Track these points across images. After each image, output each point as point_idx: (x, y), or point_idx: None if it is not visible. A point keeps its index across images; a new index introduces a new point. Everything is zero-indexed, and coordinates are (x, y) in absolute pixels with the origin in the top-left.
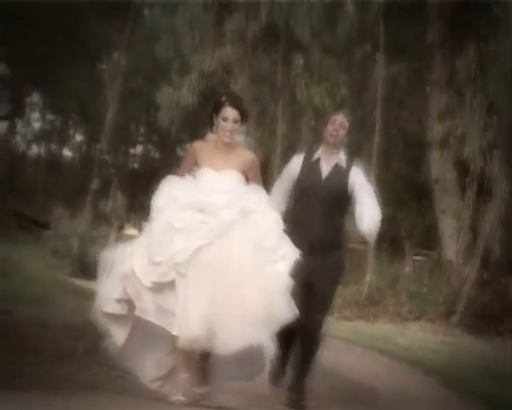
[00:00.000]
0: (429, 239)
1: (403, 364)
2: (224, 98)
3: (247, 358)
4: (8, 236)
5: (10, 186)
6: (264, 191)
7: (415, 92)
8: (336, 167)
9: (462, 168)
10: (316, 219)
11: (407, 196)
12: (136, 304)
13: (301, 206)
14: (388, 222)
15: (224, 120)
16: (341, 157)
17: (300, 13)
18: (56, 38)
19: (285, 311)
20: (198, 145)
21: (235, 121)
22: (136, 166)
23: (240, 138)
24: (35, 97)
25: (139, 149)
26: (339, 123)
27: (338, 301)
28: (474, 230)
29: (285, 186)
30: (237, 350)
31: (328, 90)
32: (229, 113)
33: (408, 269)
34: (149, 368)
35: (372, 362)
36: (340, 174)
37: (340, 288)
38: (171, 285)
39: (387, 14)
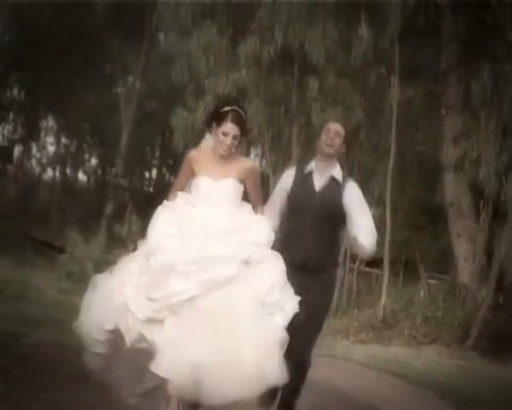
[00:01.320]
0: (444, 262)
1: (418, 387)
2: (226, 109)
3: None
4: (23, 260)
5: (25, 210)
6: (268, 221)
7: (429, 115)
8: (331, 181)
9: (477, 191)
10: (308, 235)
11: (422, 220)
12: (127, 337)
13: (294, 221)
14: (403, 245)
15: (224, 134)
16: (337, 170)
17: (315, 36)
18: (71, 63)
19: (276, 372)
20: (194, 154)
21: (234, 138)
22: (151, 189)
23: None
24: (50, 121)
25: (154, 172)
26: (334, 131)
27: (353, 324)
28: (490, 253)
29: (278, 202)
30: (224, 403)
31: (342, 113)
32: (230, 128)
33: (423, 292)
34: (130, 382)
35: (387, 386)
36: (335, 188)
37: (355, 312)
38: (158, 322)
39: (402, 37)
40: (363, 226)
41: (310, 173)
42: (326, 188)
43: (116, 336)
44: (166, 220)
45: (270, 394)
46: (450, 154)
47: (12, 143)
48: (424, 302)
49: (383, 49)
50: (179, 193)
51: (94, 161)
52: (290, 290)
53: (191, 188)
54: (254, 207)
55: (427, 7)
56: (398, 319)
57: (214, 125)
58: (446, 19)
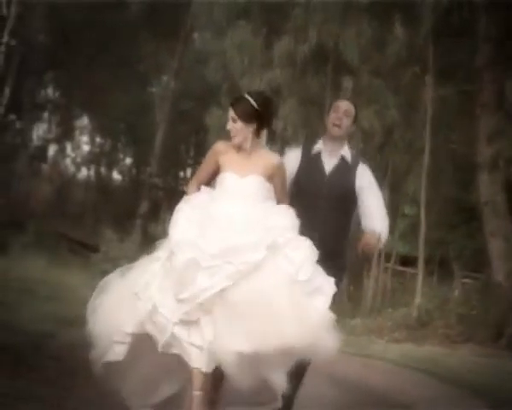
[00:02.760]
0: (478, 261)
1: (451, 386)
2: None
3: (264, 385)
4: (58, 259)
5: (60, 210)
6: (291, 210)
7: (464, 114)
8: (341, 162)
9: None
10: (317, 221)
11: (456, 219)
12: (158, 341)
13: (301, 206)
14: (437, 244)
15: (229, 119)
16: (346, 150)
17: (349, 35)
18: (106, 62)
19: (329, 344)
20: (221, 147)
21: (233, 120)
22: (185, 189)
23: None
24: (84, 120)
25: (188, 171)
26: (343, 110)
27: (388, 324)
28: None
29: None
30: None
31: (377, 112)
32: (230, 112)
33: (457, 291)
34: (142, 392)
35: (420, 384)
36: (346, 170)
37: (389, 311)
38: (196, 322)
39: (436, 36)
40: (374, 211)
41: (318, 154)
42: (336, 169)
43: (135, 340)
44: (187, 217)
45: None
46: (484, 153)
47: (47, 142)
48: (458, 301)
49: (417, 49)
50: (202, 188)
51: (128, 161)
52: (322, 271)
53: (216, 183)
54: (279, 204)
55: (461, 6)
56: (433, 317)
57: None
58: (481, 18)
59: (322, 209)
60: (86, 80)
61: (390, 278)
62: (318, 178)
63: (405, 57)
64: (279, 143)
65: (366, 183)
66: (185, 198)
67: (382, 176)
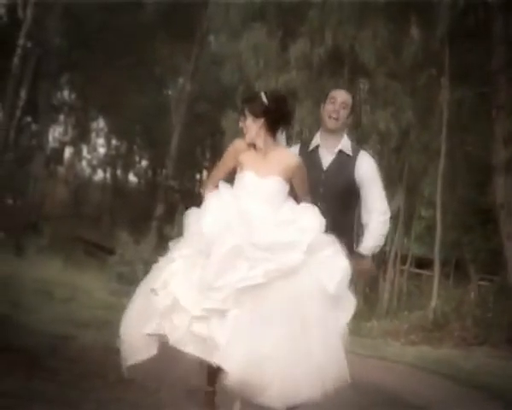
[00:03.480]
0: (494, 264)
1: (467, 388)
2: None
3: None
4: (74, 261)
5: (76, 212)
6: (316, 209)
7: (480, 116)
8: (340, 155)
9: None
10: None
11: (472, 221)
12: (171, 337)
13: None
14: (453, 247)
15: None
16: (344, 142)
17: (365, 38)
18: (122, 64)
19: (343, 371)
20: (241, 144)
21: (244, 117)
22: (201, 190)
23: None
24: (100, 123)
25: (204, 174)
26: (340, 102)
27: (404, 326)
28: None
29: None
30: (290, 405)
31: (393, 114)
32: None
33: (473, 294)
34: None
35: (436, 387)
36: (345, 163)
37: (405, 313)
38: (220, 314)
39: (452, 38)
40: (371, 225)
41: (315, 150)
42: (334, 164)
43: (158, 341)
44: (215, 211)
45: None
46: (500, 155)
47: (63, 144)
48: (474, 304)
49: (433, 51)
50: (221, 184)
51: (144, 163)
52: (349, 287)
53: (235, 181)
54: (301, 201)
55: (477, 8)
56: (449, 320)
57: None
58: (496, 20)
59: (321, 206)
60: (102, 82)
61: (406, 280)
62: (315, 174)
63: (421, 59)
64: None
65: (366, 175)
66: (208, 194)
67: (398, 178)
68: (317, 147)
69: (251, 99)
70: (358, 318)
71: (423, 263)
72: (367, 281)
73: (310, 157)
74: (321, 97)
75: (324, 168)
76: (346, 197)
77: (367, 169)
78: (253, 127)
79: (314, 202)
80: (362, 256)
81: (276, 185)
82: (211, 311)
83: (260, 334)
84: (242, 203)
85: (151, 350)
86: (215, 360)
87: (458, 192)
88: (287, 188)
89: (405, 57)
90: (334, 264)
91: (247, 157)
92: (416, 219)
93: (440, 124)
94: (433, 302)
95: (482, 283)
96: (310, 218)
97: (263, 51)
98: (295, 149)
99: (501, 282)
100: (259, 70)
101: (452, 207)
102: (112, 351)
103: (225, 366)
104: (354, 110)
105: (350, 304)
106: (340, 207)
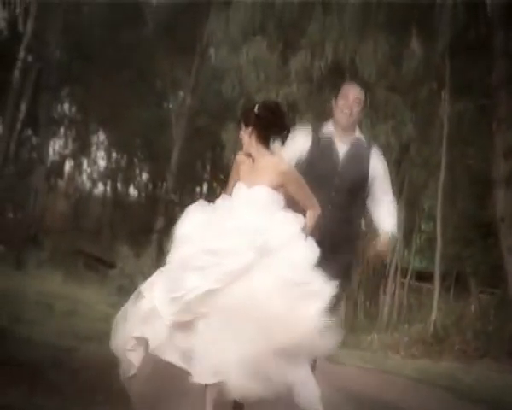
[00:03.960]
0: (495, 277)
1: (468, 402)
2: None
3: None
4: (75, 275)
5: (76, 225)
6: (297, 217)
7: (480, 130)
8: (355, 146)
9: None
10: (328, 211)
11: (472, 234)
12: (152, 343)
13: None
14: (454, 260)
15: None
16: (358, 135)
17: (366, 51)
18: (122, 78)
19: (322, 346)
20: (241, 157)
21: (240, 129)
22: None
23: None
24: (101, 136)
25: (205, 187)
26: (353, 97)
27: (404, 339)
28: None
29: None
30: (273, 395)
31: (393, 127)
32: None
33: (473, 307)
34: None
35: (437, 400)
36: (361, 155)
37: (405, 326)
38: (191, 325)
39: (453, 52)
40: (385, 208)
41: (330, 138)
42: (351, 154)
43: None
44: (194, 217)
45: None
46: (501, 168)
47: (63, 157)
48: (475, 317)
49: (434, 64)
50: (222, 195)
51: (145, 176)
52: (322, 275)
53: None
54: (305, 210)
55: (478, 22)
56: (449, 333)
57: None
58: (497, 34)
59: (332, 198)
60: (103, 96)
61: (406, 293)
62: (330, 165)
63: (422, 73)
64: None
65: (380, 172)
66: (198, 203)
67: (399, 191)
68: (331, 136)
69: (245, 109)
70: (359, 331)
71: (423, 276)
72: (378, 263)
73: (324, 147)
74: (321, 110)
75: (341, 158)
76: (358, 189)
77: (379, 166)
78: (245, 136)
79: (325, 200)
80: (382, 236)
81: (262, 194)
82: (175, 322)
83: (222, 341)
84: (223, 212)
85: (140, 354)
86: (194, 376)
87: (459, 205)
88: (278, 197)
89: (406, 71)
90: (291, 253)
91: (244, 168)
92: (416, 233)
93: (441, 137)
94: (434, 315)
95: (482, 296)
96: (279, 222)
97: (263, 65)
98: (306, 134)
99: (501, 295)
100: (260, 83)
101: (453, 221)
102: (113, 364)
103: (205, 380)
104: (363, 108)
105: (326, 290)
106: (351, 198)
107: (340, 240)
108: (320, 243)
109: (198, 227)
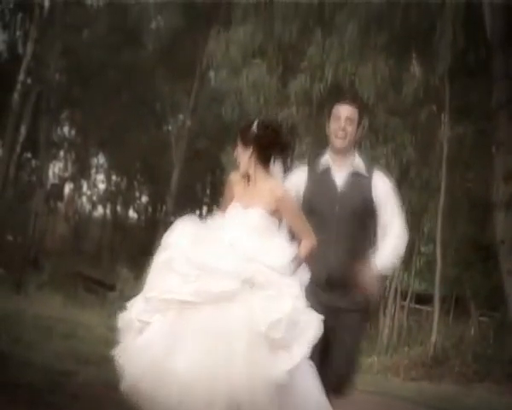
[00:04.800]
0: (495, 300)
1: None
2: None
3: None
4: (74, 297)
5: (76, 248)
6: (289, 246)
7: (480, 153)
8: (354, 175)
9: None
10: (333, 245)
11: (472, 257)
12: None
13: (313, 229)
14: (454, 282)
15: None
16: (357, 161)
17: (365, 74)
18: (122, 101)
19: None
20: (235, 177)
21: (237, 146)
22: None
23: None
24: (100, 159)
25: (205, 210)
26: (345, 117)
27: (404, 361)
28: None
29: None
30: None
31: (393, 150)
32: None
33: (473, 330)
34: None
35: None
36: (360, 183)
37: (405, 349)
38: (147, 325)
39: (453, 75)
40: (386, 242)
41: (327, 169)
42: (349, 184)
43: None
44: (180, 230)
45: None
46: (500, 191)
47: (63, 180)
48: (475, 339)
49: (434, 87)
50: (217, 213)
51: (144, 199)
52: (302, 326)
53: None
54: (300, 241)
55: (478, 45)
56: (449, 356)
57: None
58: (497, 57)
59: (336, 230)
60: (102, 119)
61: (406, 315)
62: (329, 195)
63: (422, 96)
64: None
65: (382, 195)
66: (190, 217)
67: None
68: (328, 166)
69: (243, 128)
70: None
71: (423, 299)
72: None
73: (321, 179)
74: (321, 133)
75: (339, 189)
76: (364, 216)
77: (383, 189)
78: (243, 156)
79: (326, 229)
80: (371, 270)
81: (257, 217)
82: (142, 322)
83: (173, 351)
84: (215, 230)
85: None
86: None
87: (458, 228)
88: (273, 222)
89: (406, 93)
90: (275, 304)
91: (238, 188)
92: (416, 255)
93: (440, 160)
94: (434, 338)
95: (482, 319)
96: (270, 253)
97: (263, 87)
98: (302, 171)
99: (501, 318)
100: (260, 106)
101: (452, 244)
102: (113, 387)
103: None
104: (362, 123)
105: (298, 351)
106: (357, 227)
107: (351, 276)
108: (328, 280)
109: (186, 237)
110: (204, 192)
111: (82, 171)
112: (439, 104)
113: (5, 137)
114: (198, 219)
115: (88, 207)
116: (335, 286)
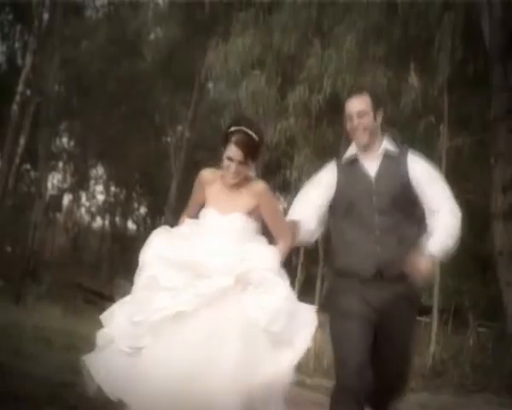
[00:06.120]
0: (493, 311)
1: None
2: (231, 130)
3: None
4: (73, 308)
5: (75, 259)
6: (275, 250)
7: (479, 164)
8: (385, 160)
9: None
10: (377, 235)
11: (471, 268)
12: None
13: (352, 223)
14: (452, 293)
15: (229, 159)
16: (386, 144)
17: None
18: (121, 112)
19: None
20: (207, 175)
21: (240, 163)
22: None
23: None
24: (99, 170)
25: None
26: (356, 113)
27: None
28: None
29: (318, 202)
30: None
31: None
32: (233, 153)
33: (472, 341)
34: None
35: None
36: (395, 168)
37: None
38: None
39: (451, 86)
40: (435, 226)
41: (355, 160)
42: (383, 168)
43: None
44: (158, 242)
45: None
46: (499, 202)
47: (62, 191)
48: (473, 350)
49: (432, 98)
50: (187, 220)
51: (143, 210)
52: (300, 320)
53: (199, 216)
54: (277, 240)
55: (477, 56)
56: (448, 367)
57: (222, 148)
58: (496, 68)
59: (379, 220)
60: (101, 130)
61: None
62: (364, 186)
63: (420, 107)
64: (293, 193)
65: (423, 176)
66: (162, 227)
67: None
68: (357, 157)
69: (248, 143)
70: None
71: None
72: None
73: (351, 170)
74: (320, 145)
75: (373, 175)
76: (405, 203)
77: (422, 170)
78: (242, 169)
79: (367, 223)
80: (425, 256)
81: (238, 222)
82: (133, 349)
83: (172, 366)
84: (193, 238)
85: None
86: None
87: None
88: (254, 224)
89: (404, 105)
90: (270, 297)
91: (213, 191)
92: None
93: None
94: (432, 349)
95: (481, 329)
96: (257, 255)
97: (262, 98)
98: (331, 166)
99: (500, 329)
100: (258, 117)
101: (451, 255)
102: (111, 400)
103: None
104: (379, 105)
105: (301, 342)
106: (401, 216)
107: (401, 264)
108: (376, 275)
109: (167, 249)
110: None
111: (81, 182)
112: (437, 115)
113: (4, 149)
114: (170, 229)
115: (87, 218)
116: (386, 280)
